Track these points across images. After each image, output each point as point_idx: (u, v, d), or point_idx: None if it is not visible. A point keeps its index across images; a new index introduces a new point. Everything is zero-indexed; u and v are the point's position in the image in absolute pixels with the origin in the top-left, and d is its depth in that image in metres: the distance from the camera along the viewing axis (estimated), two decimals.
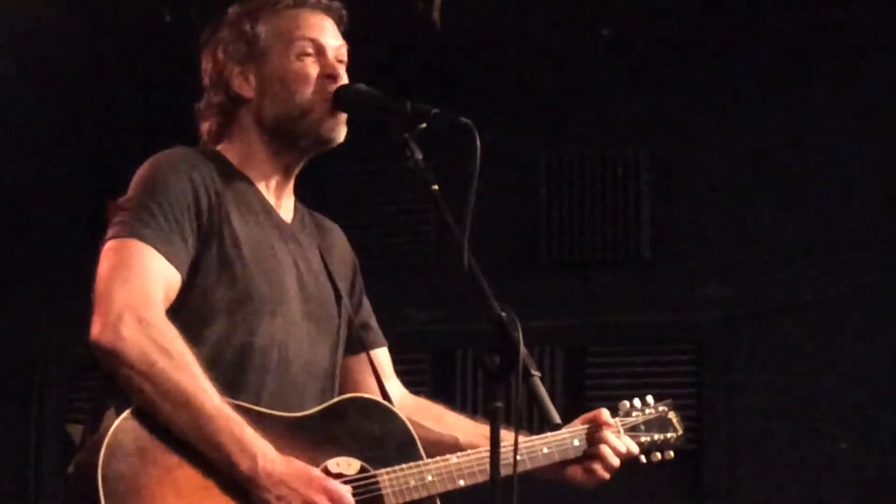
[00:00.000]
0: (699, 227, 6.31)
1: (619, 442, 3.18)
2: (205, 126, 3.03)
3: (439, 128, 2.74)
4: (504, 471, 2.44)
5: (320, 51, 2.97)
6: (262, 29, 2.98)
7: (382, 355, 3.19)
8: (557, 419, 2.53)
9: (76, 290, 6.57)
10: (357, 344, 3.13)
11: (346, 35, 3.05)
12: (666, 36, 6.18)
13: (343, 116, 2.96)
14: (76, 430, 6.69)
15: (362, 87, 2.93)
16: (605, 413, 3.20)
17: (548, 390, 2.51)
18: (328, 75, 2.95)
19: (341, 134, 2.98)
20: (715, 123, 6.36)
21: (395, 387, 3.17)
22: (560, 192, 6.48)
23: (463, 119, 2.67)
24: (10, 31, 5.91)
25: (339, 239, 3.18)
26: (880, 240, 6.07)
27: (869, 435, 5.96)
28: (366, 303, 3.19)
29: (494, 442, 2.44)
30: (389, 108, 2.81)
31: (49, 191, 6.96)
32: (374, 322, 3.20)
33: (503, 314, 2.51)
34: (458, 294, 6.07)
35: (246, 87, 2.98)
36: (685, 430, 3.38)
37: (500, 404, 2.46)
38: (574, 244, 6.44)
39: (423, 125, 2.76)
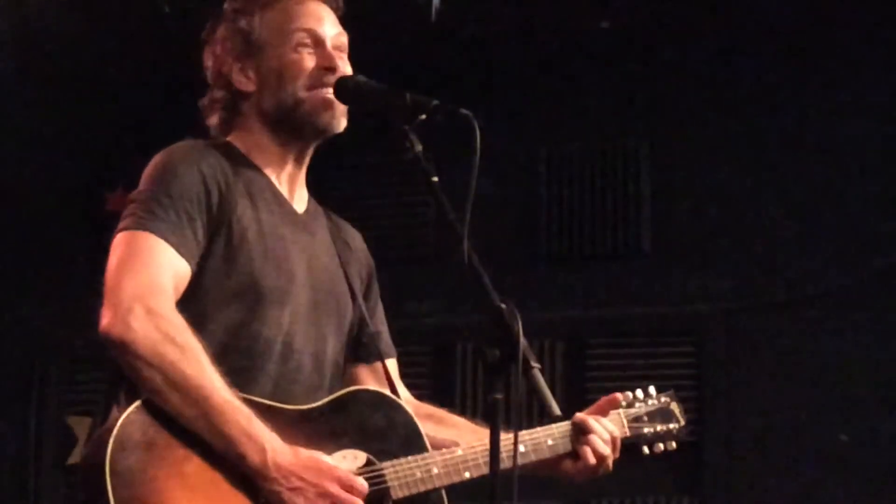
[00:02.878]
0: (699, 221, 6.30)
1: (602, 429, 3.15)
2: (212, 120, 3.05)
3: (439, 120, 2.73)
4: (506, 463, 2.45)
5: (318, 41, 2.98)
6: (257, 22, 2.99)
7: (393, 365, 3.19)
8: (557, 411, 2.53)
9: (76, 289, 6.58)
10: (372, 353, 3.14)
11: (346, 26, 3.05)
12: (666, 31, 6.18)
13: (343, 107, 2.96)
14: (77, 423, 6.69)
15: (362, 79, 2.93)
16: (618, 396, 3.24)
17: (548, 383, 2.52)
18: (326, 67, 2.95)
19: (341, 124, 2.98)
20: (715, 119, 6.35)
21: (403, 393, 3.16)
22: (560, 186, 6.48)
23: (462, 111, 2.67)
24: (10, 31, 5.91)
25: (357, 243, 3.20)
26: (880, 236, 6.07)
27: (869, 432, 5.95)
28: (380, 311, 3.21)
29: (494, 434, 2.45)
30: (389, 101, 2.80)
31: (49, 191, 6.95)
32: (386, 330, 3.20)
33: (503, 307, 2.51)
34: (458, 287, 6.07)
35: (246, 81, 2.99)
36: (687, 421, 3.38)
37: (499, 396, 2.46)
38: (574, 237, 6.43)
39: (423, 117, 2.75)
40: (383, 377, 3.12)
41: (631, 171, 6.40)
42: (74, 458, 6.60)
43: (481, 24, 6.12)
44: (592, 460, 3.12)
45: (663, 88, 6.38)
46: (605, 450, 3.12)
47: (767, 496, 6.04)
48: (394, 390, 3.10)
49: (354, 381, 3.09)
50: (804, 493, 5.97)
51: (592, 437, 3.12)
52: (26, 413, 6.85)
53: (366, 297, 3.15)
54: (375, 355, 3.14)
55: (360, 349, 3.12)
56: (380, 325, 3.19)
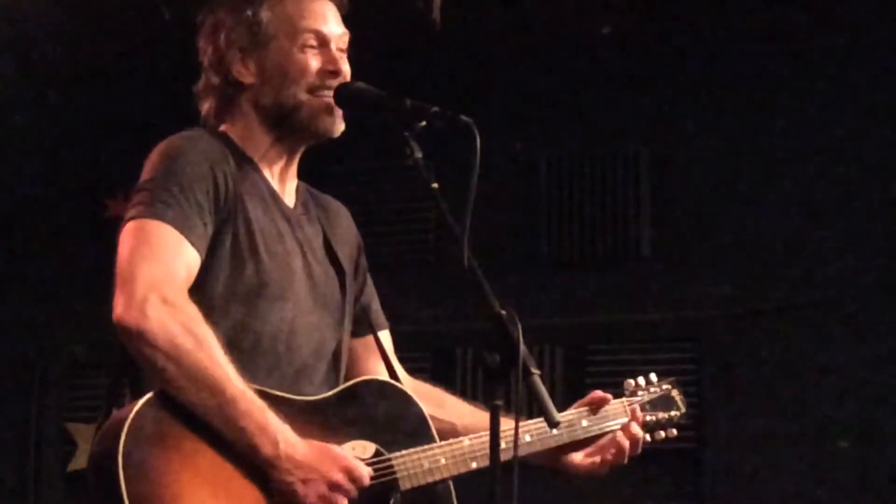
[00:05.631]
0: (699, 226, 6.31)
1: (636, 428, 3.20)
2: (205, 106, 3.03)
3: (439, 126, 2.74)
4: (509, 456, 2.46)
5: (323, 42, 2.97)
6: (265, 16, 2.97)
7: (386, 338, 3.20)
8: (557, 417, 2.54)
9: (76, 290, 6.58)
10: (363, 326, 3.14)
11: (347, 26, 3.05)
12: (666, 35, 6.19)
13: (341, 111, 2.96)
14: (77, 430, 6.70)
15: (362, 85, 2.92)
16: (600, 394, 3.26)
17: (548, 389, 2.52)
18: (330, 70, 2.95)
19: (339, 128, 2.98)
20: (715, 123, 6.35)
21: (399, 370, 3.16)
22: (560, 191, 6.48)
23: (462, 117, 2.67)
24: (10, 31, 5.92)
25: (343, 219, 3.18)
26: (879, 239, 6.07)
27: (869, 435, 5.95)
28: (369, 283, 3.20)
29: (494, 441, 2.45)
30: (389, 107, 2.80)
31: (49, 191, 6.96)
32: (377, 304, 3.21)
33: (503, 312, 2.52)
34: (458, 292, 6.08)
35: (246, 73, 2.97)
36: (687, 407, 3.39)
37: (499, 402, 2.46)
38: (574, 242, 6.44)
39: (423, 124, 2.75)
40: (375, 350, 3.13)
41: (631, 176, 6.41)
42: (74, 465, 6.61)
43: (482, 29, 6.12)
44: (608, 461, 3.17)
45: (663, 93, 6.38)
46: (627, 448, 3.18)
47: (767, 501, 6.04)
48: (388, 363, 3.11)
49: (349, 357, 3.08)
50: (804, 499, 5.97)
51: (621, 431, 3.18)
52: (26, 416, 6.86)
53: (355, 273, 3.15)
54: (366, 328, 3.14)
55: (352, 325, 3.12)
56: (370, 298, 3.19)
